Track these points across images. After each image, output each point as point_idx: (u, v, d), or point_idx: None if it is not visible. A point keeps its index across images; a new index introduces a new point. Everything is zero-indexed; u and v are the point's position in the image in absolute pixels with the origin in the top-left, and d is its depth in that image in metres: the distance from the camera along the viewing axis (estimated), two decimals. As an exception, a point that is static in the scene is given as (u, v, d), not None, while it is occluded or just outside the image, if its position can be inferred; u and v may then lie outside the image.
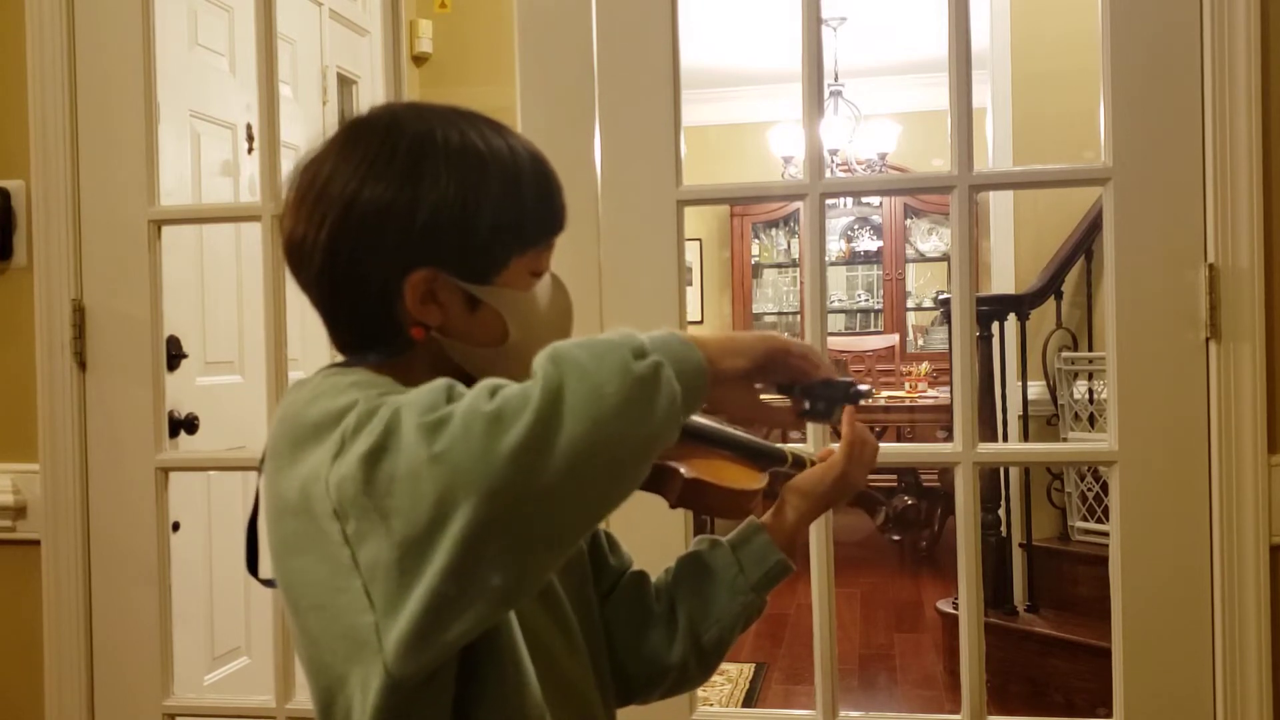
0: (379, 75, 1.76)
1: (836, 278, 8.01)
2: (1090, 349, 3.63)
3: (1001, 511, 3.58)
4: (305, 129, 2.84)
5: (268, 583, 0.90)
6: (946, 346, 5.15)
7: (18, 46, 1.79)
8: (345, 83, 3.44)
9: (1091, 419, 3.52)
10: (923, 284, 8.03)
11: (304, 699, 1.67)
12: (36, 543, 1.80)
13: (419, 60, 3.74)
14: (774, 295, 8.26)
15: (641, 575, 1.12)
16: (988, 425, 3.34)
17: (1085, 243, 3.50)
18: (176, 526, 1.98)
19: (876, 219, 7.97)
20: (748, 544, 1.09)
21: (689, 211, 1.70)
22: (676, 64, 1.64)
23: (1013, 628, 3.41)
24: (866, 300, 8.08)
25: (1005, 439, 3.50)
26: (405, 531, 0.72)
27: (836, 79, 6.17)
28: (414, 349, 0.92)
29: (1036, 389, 3.60)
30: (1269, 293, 1.54)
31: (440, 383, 0.76)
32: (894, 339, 7.33)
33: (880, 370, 6.80)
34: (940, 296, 7.08)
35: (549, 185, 0.95)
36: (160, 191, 1.79)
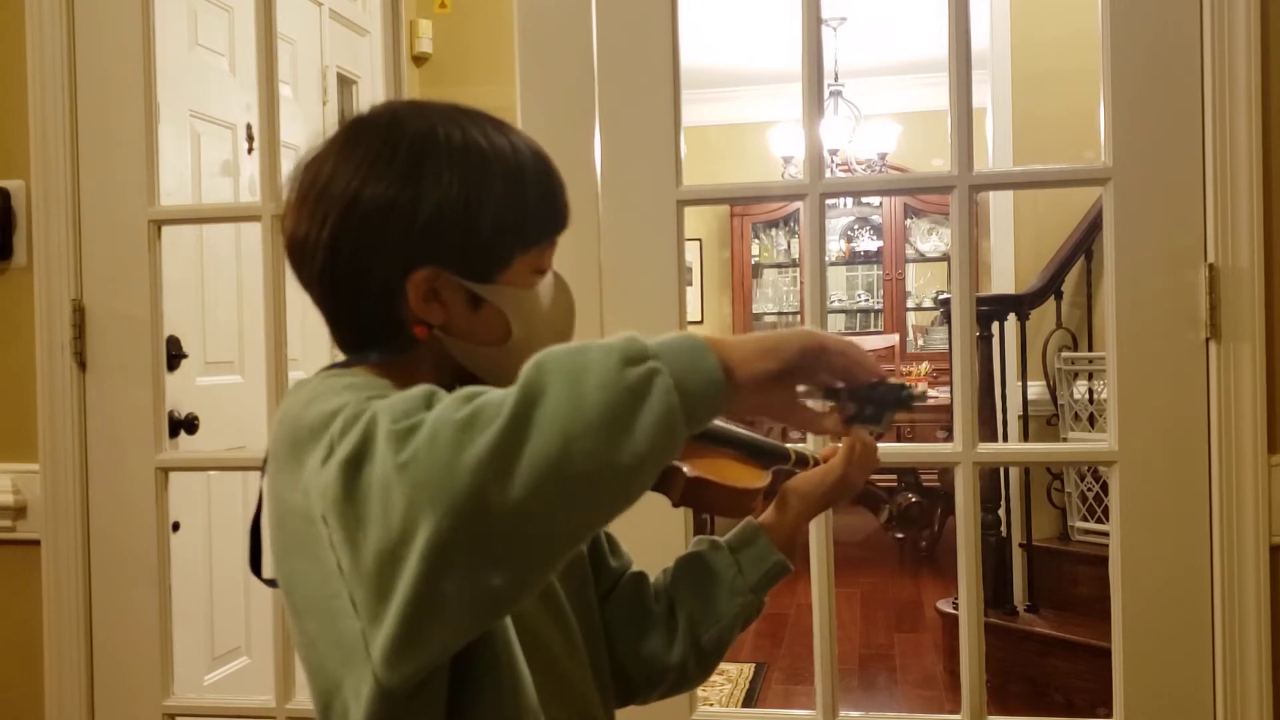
0: (379, 75, 1.76)
1: (836, 278, 8.01)
2: (1090, 349, 3.63)
3: (1001, 511, 3.58)
4: (305, 129, 2.84)
5: (270, 582, 0.90)
6: (946, 346, 5.15)
7: (18, 46, 1.79)
8: (345, 83, 3.44)
9: (1091, 419, 3.52)
10: (923, 284, 8.03)
11: (304, 699, 1.67)
12: (36, 543, 1.80)
13: (419, 60, 3.74)
14: (774, 295, 8.25)
15: (641, 576, 1.12)
16: (988, 425, 3.34)
17: (1085, 243, 3.50)
18: (176, 526, 1.98)
19: (876, 219, 7.97)
20: (746, 544, 1.09)
21: (689, 211, 1.70)
22: (676, 64, 1.64)
23: (1013, 628, 3.41)
24: (866, 300, 8.08)
25: (1005, 439, 3.50)
26: (378, 542, 0.69)
27: (836, 79, 6.17)
28: (417, 348, 0.92)
29: (1036, 389, 3.60)
30: (1269, 293, 1.54)
31: (420, 388, 0.74)
32: (894, 339, 7.33)
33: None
34: (940, 296, 7.08)
35: (552, 183, 0.95)
36: (160, 191, 1.79)
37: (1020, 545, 3.60)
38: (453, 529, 0.66)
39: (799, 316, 7.73)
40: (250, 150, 2.79)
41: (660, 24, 1.63)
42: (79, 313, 1.78)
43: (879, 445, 1.15)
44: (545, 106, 1.66)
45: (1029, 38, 3.74)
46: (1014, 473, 3.59)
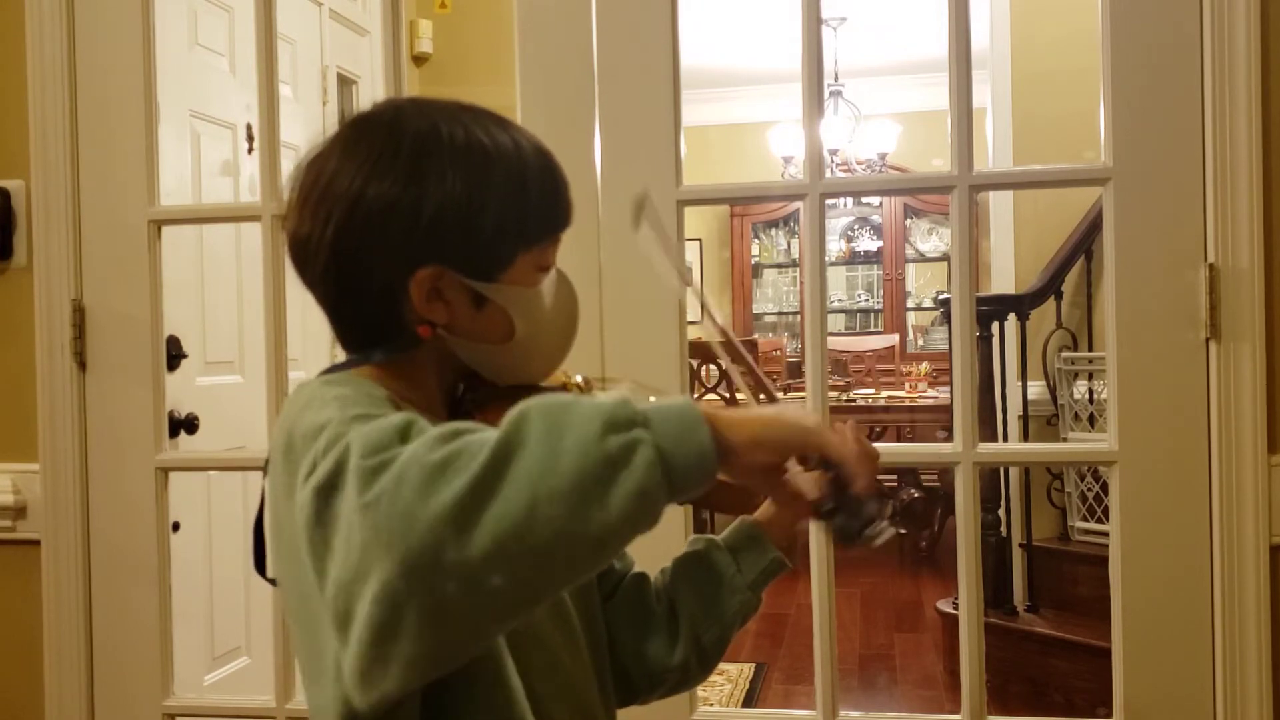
0: (379, 75, 1.76)
1: (836, 278, 8.02)
2: (1090, 349, 3.63)
3: (1001, 511, 3.58)
4: (305, 129, 2.84)
5: (274, 581, 0.90)
6: (946, 346, 5.14)
7: (18, 46, 1.79)
8: (345, 83, 3.44)
9: (1091, 419, 3.52)
10: (923, 284, 8.04)
11: (304, 699, 1.67)
12: (36, 543, 1.80)
13: (419, 60, 3.74)
14: (774, 295, 8.26)
15: (643, 577, 1.12)
16: (988, 425, 3.34)
17: (1085, 243, 3.50)
18: (176, 526, 1.98)
19: (876, 219, 7.98)
20: (744, 542, 1.09)
21: (689, 211, 1.70)
22: (676, 64, 1.64)
23: (1013, 628, 3.41)
24: (866, 300, 8.09)
25: (1005, 439, 3.50)
26: (339, 573, 0.68)
27: (836, 79, 6.17)
28: (421, 347, 0.92)
29: (1036, 389, 3.60)
30: (1269, 293, 1.54)
31: (396, 420, 0.72)
32: (894, 339, 7.33)
33: (880, 370, 6.80)
34: (940, 296, 7.08)
35: (555, 180, 0.94)
36: (160, 191, 1.79)
37: (1020, 545, 3.60)
38: (404, 580, 0.64)
39: (799, 316, 7.73)
40: (250, 150, 2.79)
41: (660, 24, 1.63)
42: (79, 313, 1.78)
43: (878, 445, 1.15)
44: (545, 106, 1.66)
45: (1029, 38, 3.74)
46: (1014, 473, 3.59)
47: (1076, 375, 3.60)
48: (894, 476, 5.52)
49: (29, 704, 1.81)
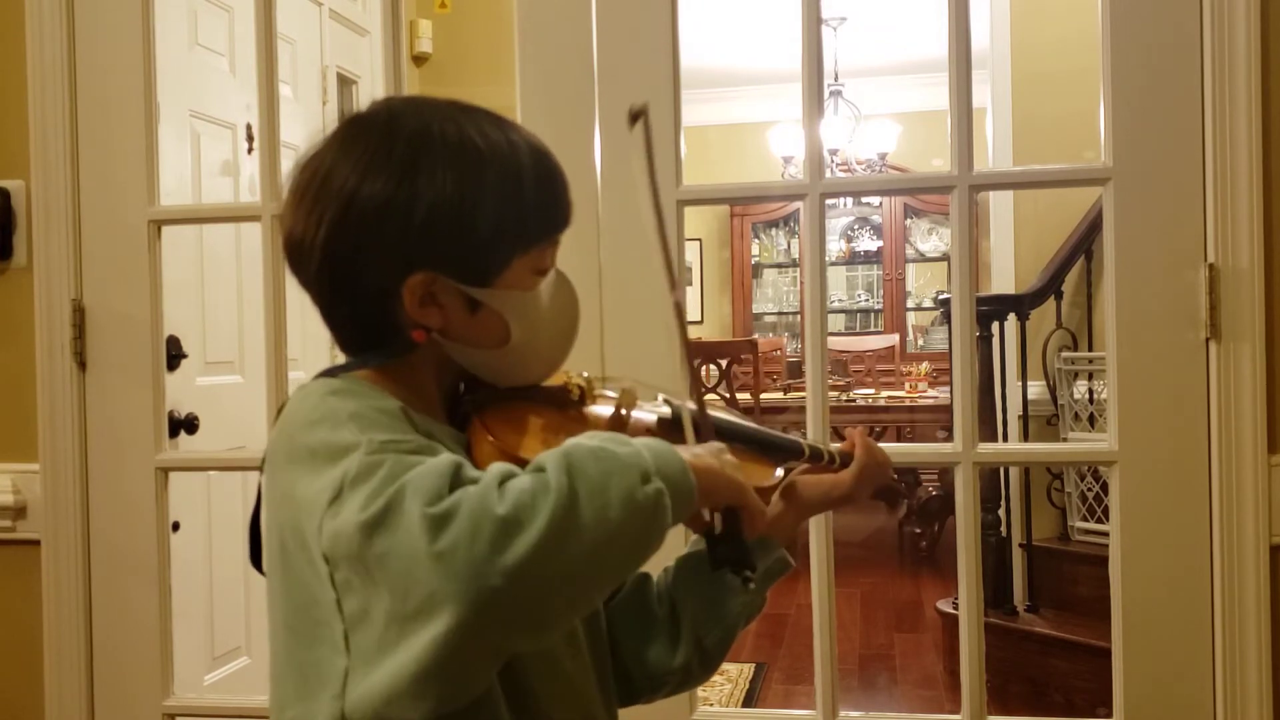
0: (379, 75, 1.76)
1: (836, 278, 8.02)
2: (1090, 349, 3.63)
3: (1001, 511, 3.58)
4: (305, 129, 2.83)
5: None
6: (946, 346, 5.15)
7: (18, 46, 1.79)
8: (345, 83, 3.44)
9: (1091, 419, 3.52)
10: (923, 284, 8.04)
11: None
12: (36, 543, 1.80)
13: (419, 60, 3.75)
14: (774, 295, 8.26)
15: (644, 578, 1.11)
16: (988, 425, 3.34)
17: (1085, 243, 3.50)
18: (176, 526, 1.98)
19: (876, 219, 7.98)
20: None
21: (689, 211, 1.70)
22: (676, 64, 1.64)
23: (1013, 628, 3.41)
24: (866, 300, 8.09)
25: (1005, 439, 3.50)
26: (392, 608, 0.72)
27: (836, 79, 6.18)
28: (417, 350, 0.91)
29: (1036, 389, 3.60)
30: (1269, 293, 1.54)
31: (446, 464, 0.75)
32: (894, 339, 7.33)
33: (880, 370, 6.80)
34: (940, 296, 7.08)
35: (552, 180, 0.93)
36: (160, 191, 1.79)
37: (1020, 545, 3.60)
38: (472, 626, 0.70)
39: (799, 316, 7.73)
40: (250, 150, 2.79)
41: (660, 24, 1.63)
42: (79, 313, 1.78)
43: (881, 446, 1.14)
44: (545, 106, 1.66)
45: (1029, 38, 3.74)
46: (1014, 473, 3.59)
47: (1076, 375, 3.60)
48: (897, 478, 5.51)
49: (29, 704, 1.81)
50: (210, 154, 2.70)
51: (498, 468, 0.75)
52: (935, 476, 5.53)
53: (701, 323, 8.02)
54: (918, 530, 5.59)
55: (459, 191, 0.87)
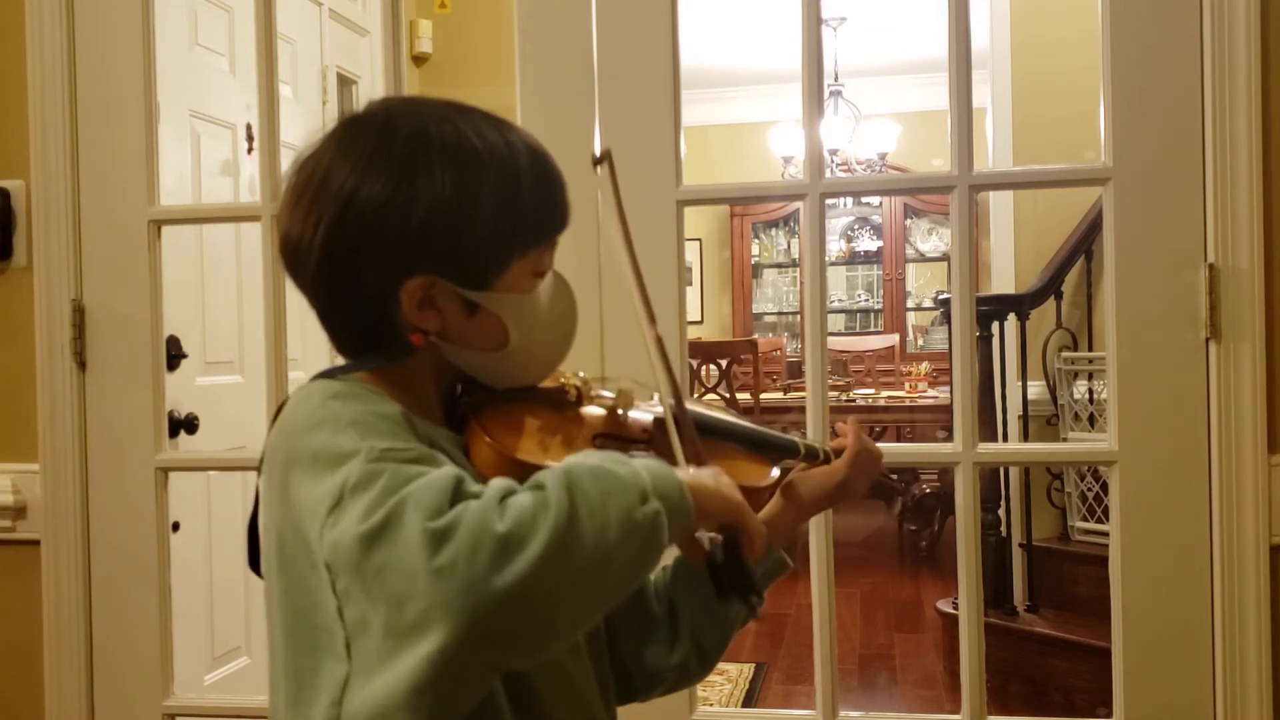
0: (379, 75, 1.76)
1: (836, 278, 8.02)
2: (1090, 349, 3.63)
3: (1001, 511, 3.58)
4: (305, 129, 2.84)
5: None
6: (946, 346, 5.15)
7: (18, 46, 1.79)
8: (345, 83, 3.44)
9: (1091, 419, 3.52)
10: (923, 284, 8.04)
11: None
12: (36, 543, 1.80)
13: (419, 60, 3.75)
14: (774, 295, 8.26)
15: None
16: (988, 425, 3.34)
17: (1085, 243, 3.50)
18: (176, 526, 1.98)
19: (876, 219, 7.98)
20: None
21: (689, 211, 1.70)
22: (676, 64, 1.64)
23: (1013, 628, 3.41)
24: (866, 300, 8.09)
25: (1005, 439, 3.50)
26: (388, 620, 0.72)
27: (836, 79, 6.18)
28: (414, 352, 0.90)
29: (1036, 389, 3.60)
30: (1269, 293, 1.54)
31: (447, 478, 0.75)
32: (894, 339, 7.33)
33: (880, 370, 6.80)
34: (940, 296, 7.08)
35: (550, 182, 0.93)
36: (160, 191, 1.79)
37: (1020, 545, 3.60)
38: (469, 643, 0.70)
39: (799, 316, 7.73)
40: (250, 150, 2.79)
41: (660, 24, 1.63)
42: (79, 313, 1.78)
43: (880, 446, 1.14)
44: (545, 106, 1.66)
45: (1029, 38, 3.74)
46: (1014, 473, 3.59)
47: (1076, 375, 3.60)
48: (894, 477, 5.52)
49: (29, 704, 1.81)
50: (210, 154, 2.70)
51: (498, 484, 0.75)
52: (935, 476, 5.53)
53: (701, 323, 8.02)
54: (913, 528, 5.58)
55: (457, 193, 0.87)
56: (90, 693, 1.79)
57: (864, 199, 7.91)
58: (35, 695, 1.80)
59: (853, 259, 8.09)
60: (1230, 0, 1.52)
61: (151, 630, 1.78)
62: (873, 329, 7.92)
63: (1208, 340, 1.54)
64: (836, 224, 8.03)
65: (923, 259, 7.98)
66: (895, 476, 5.33)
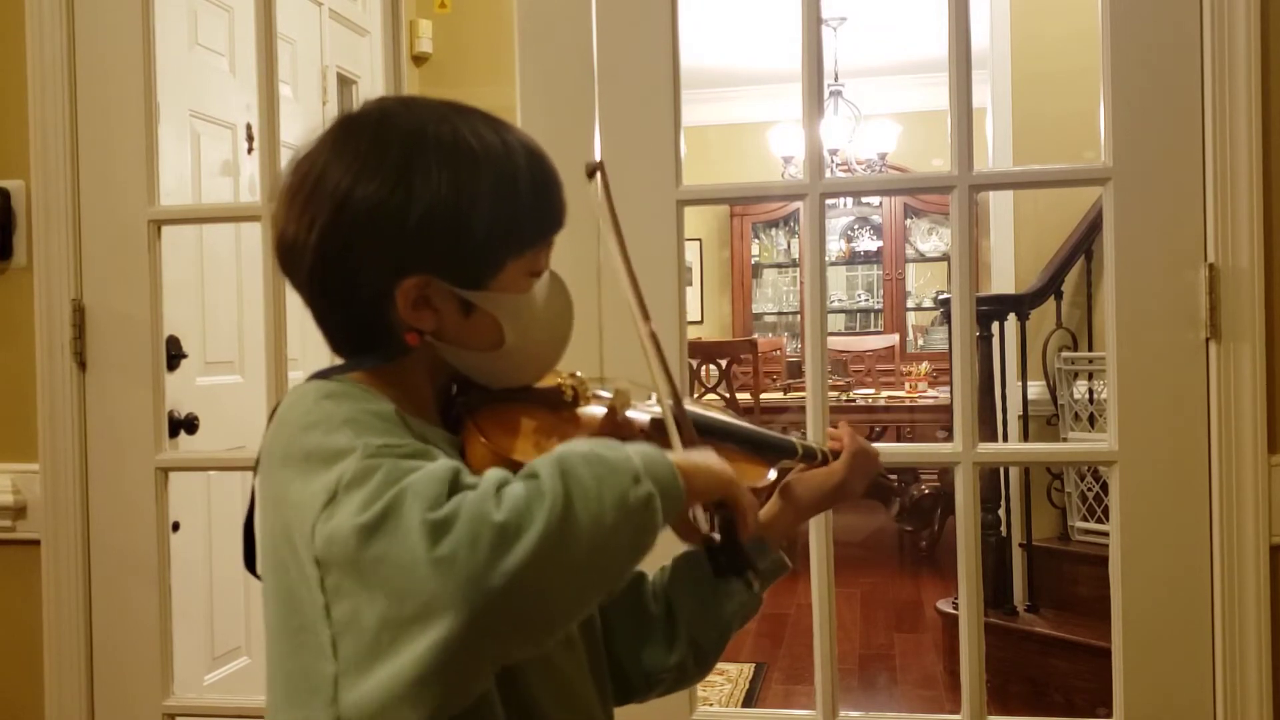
0: (379, 75, 1.76)
1: (836, 278, 8.02)
2: (1090, 349, 3.63)
3: (1001, 511, 3.58)
4: (305, 129, 2.84)
5: None
6: (946, 346, 5.15)
7: (18, 46, 1.79)
8: (345, 83, 3.44)
9: (1091, 419, 3.52)
10: (923, 284, 8.04)
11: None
12: (36, 543, 1.80)
13: (419, 60, 3.75)
14: (774, 295, 8.26)
15: (640, 577, 1.11)
16: (988, 425, 3.34)
17: (1085, 243, 3.50)
18: (176, 526, 1.98)
19: (876, 219, 7.98)
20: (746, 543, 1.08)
21: (689, 211, 1.70)
22: (676, 64, 1.64)
23: (1013, 628, 3.41)
24: (866, 300, 8.09)
25: (1005, 439, 3.50)
26: (388, 612, 0.71)
27: (836, 79, 6.17)
28: (410, 352, 0.90)
29: (1036, 389, 3.60)
30: (1269, 293, 1.54)
31: (445, 470, 0.75)
32: (894, 339, 7.33)
33: (880, 370, 6.80)
34: (940, 296, 7.08)
35: (547, 182, 0.93)
36: (160, 191, 1.79)
37: (1020, 545, 3.60)
38: (472, 631, 0.70)
39: (799, 316, 7.73)
40: (250, 150, 2.79)
41: (660, 24, 1.63)
42: (79, 313, 1.78)
43: (878, 445, 1.14)
44: (545, 106, 1.66)
45: (1029, 38, 3.74)
46: (1014, 473, 3.59)
47: (1076, 375, 3.60)
48: (894, 477, 5.52)
49: (29, 704, 1.81)
50: (210, 154, 2.70)
51: (494, 474, 0.76)
52: (935, 476, 5.53)
53: (701, 323, 8.01)
54: (910, 529, 5.58)
55: (454, 194, 0.86)
56: (90, 693, 1.79)
57: (864, 199, 7.91)
58: (35, 695, 1.80)
59: (853, 259, 8.09)
60: (1230, 0, 1.52)
61: (151, 630, 1.78)
62: (873, 329, 7.92)
63: (1208, 340, 1.54)
64: (836, 224, 8.03)
65: (923, 259, 7.98)
66: (895, 477, 5.37)
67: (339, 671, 0.75)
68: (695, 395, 5.04)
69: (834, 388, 5.67)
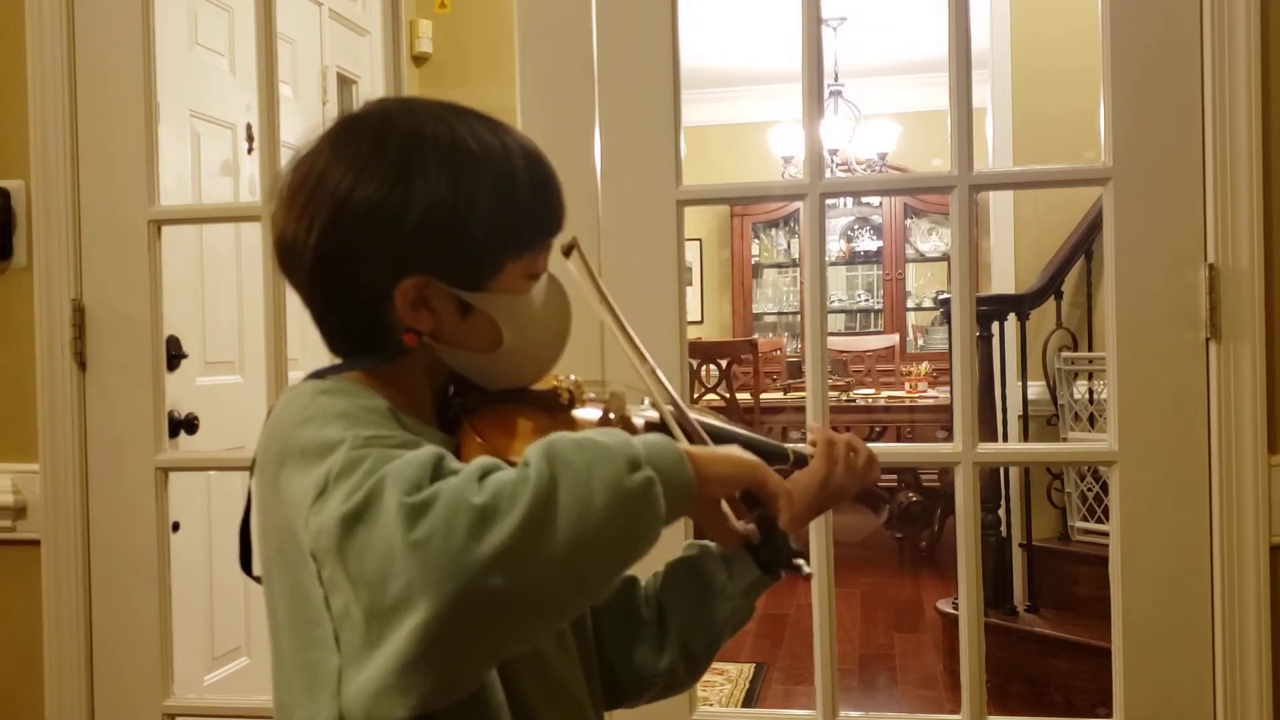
0: (379, 75, 1.76)
1: (836, 278, 8.02)
2: (1090, 349, 3.63)
3: (1001, 511, 3.58)
4: (305, 129, 2.84)
5: (261, 579, 0.90)
6: (946, 346, 5.14)
7: (18, 46, 1.79)
8: (345, 83, 3.44)
9: (1091, 419, 3.52)
10: (923, 284, 8.04)
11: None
12: (36, 543, 1.80)
13: (419, 60, 3.75)
14: (774, 295, 8.26)
15: (632, 581, 1.11)
16: (988, 425, 3.34)
17: (1085, 243, 3.50)
18: (176, 526, 1.98)
19: (876, 219, 7.98)
20: (739, 550, 1.07)
21: (689, 211, 1.70)
22: (676, 64, 1.64)
23: (1013, 628, 3.41)
24: (866, 300, 8.09)
25: (1005, 439, 3.50)
26: (371, 602, 0.70)
27: (836, 79, 6.17)
28: (408, 354, 0.90)
29: (1036, 389, 3.60)
30: (1269, 293, 1.54)
31: (428, 455, 0.74)
32: (894, 339, 7.33)
33: (880, 370, 6.80)
34: (940, 296, 7.08)
35: (545, 184, 0.92)
36: (160, 191, 1.79)
37: (1020, 545, 3.60)
38: (451, 616, 0.68)
39: (799, 316, 7.73)
40: (250, 150, 2.79)
41: (660, 24, 1.63)
42: (79, 313, 1.78)
43: (878, 446, 1.14)
44: (545, 106, 1.66)
45: (1029, 38, 3.74)
46: (1014, 473, 3.59)
47: (1076, 375, 3.60)
48: (894, 477, 5.53)
49: (29, 704, 1.81)
50: (210, 154, 2.70)
51: (481, 461, 0.74)
52: (935, 476, 5.53)
53: (701, 323, 8.01)
54: (899, 535, 5.58)
55: (453, 195, 0.86)
56: (90, 693, 1.79)
57: (864, 199, 7.91)
58: (35, 695, 1.80)
59: (853, 259, 8.09)
60: (1230, 0, 1.52)
61: (151, 630, 1.78)
62: (873, 329, 7.92)
63: (1208, 340, 1.54)
64: (836, 224, 8.03)
65: (923, 259, 7.98)
66: (893, 477, 5.36)
67: (343, 664, 0.75)
68: (695, 396, 5.04)
69: (834, 388, 5.67)
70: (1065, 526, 3.58)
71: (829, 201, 1.71)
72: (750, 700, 3.64)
